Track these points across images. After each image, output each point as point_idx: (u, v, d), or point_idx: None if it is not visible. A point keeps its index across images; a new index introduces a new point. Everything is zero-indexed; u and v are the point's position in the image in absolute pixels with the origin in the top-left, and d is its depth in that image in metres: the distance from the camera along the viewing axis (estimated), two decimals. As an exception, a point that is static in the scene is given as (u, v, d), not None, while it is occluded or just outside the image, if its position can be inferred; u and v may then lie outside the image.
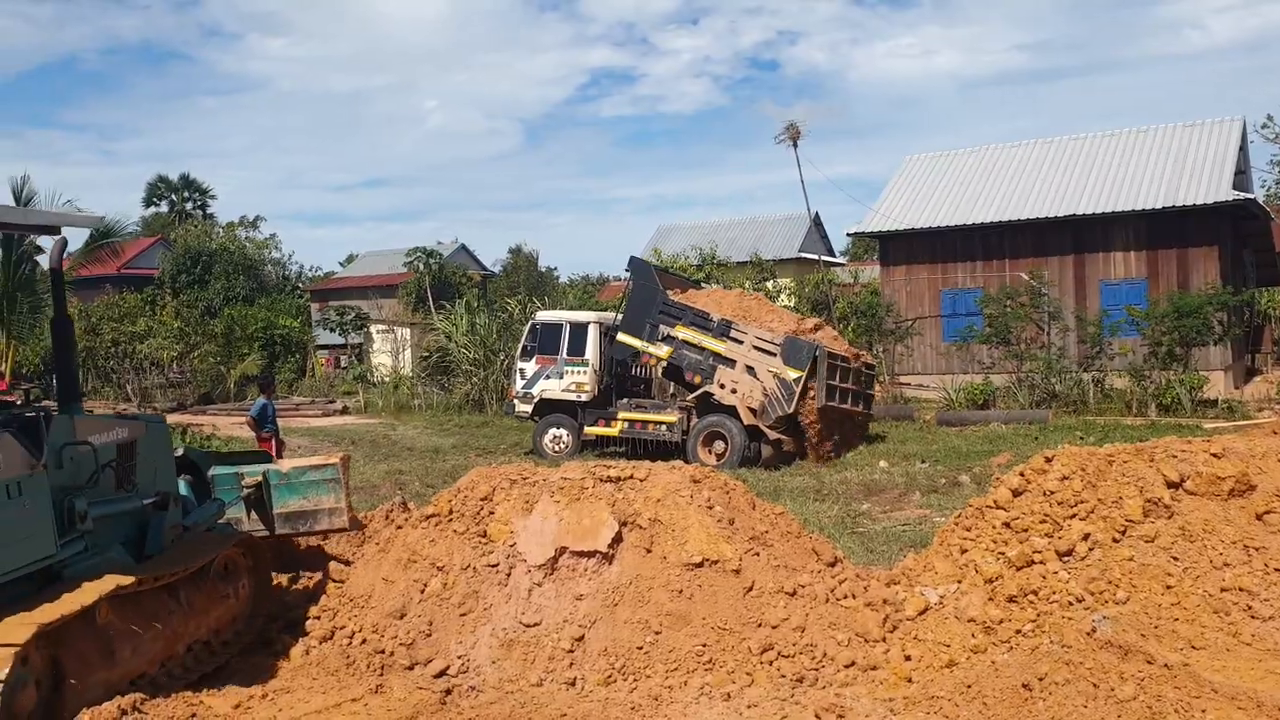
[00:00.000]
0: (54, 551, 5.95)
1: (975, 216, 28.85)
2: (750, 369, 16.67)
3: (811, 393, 16.36)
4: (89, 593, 5.84)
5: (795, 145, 34.14)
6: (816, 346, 16.45)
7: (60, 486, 6.10)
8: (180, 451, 8.07)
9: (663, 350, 17.59)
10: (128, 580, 6.11)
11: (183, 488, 7.80)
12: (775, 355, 16.49)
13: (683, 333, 17.36)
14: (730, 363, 16.84)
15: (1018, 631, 5.94)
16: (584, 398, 18.54)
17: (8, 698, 5.10)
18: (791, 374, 16.28)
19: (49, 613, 5.49)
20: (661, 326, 17.59)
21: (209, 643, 6.93)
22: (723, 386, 16.94)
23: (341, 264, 75.59)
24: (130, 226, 25.91)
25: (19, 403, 6.53)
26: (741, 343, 16.82)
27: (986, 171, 31.30)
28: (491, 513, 7.20)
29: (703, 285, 21.92)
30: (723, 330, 17.04)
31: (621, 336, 18.05)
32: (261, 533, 8.35)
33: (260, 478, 8.52)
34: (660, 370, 19.15)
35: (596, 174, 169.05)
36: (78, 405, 6.69)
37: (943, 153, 33.66)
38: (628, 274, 18.76)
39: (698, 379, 17.37)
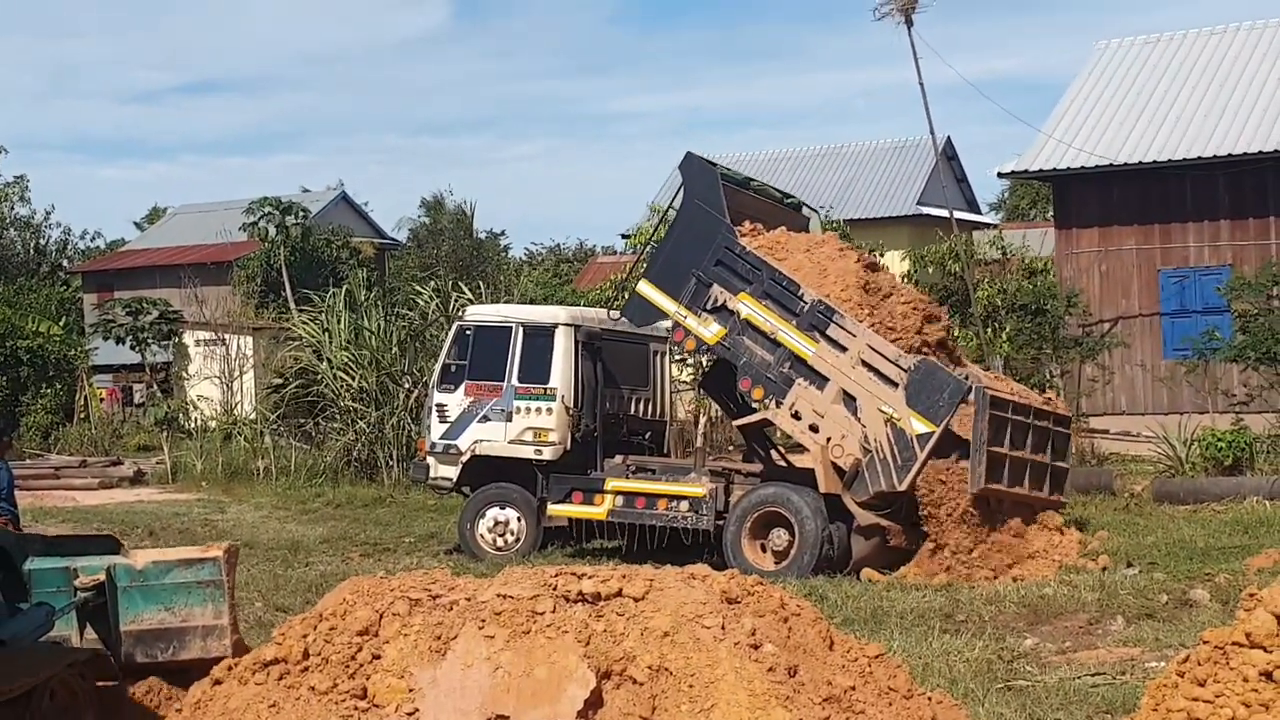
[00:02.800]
0: None
1: (1217, 145, 28.92)
2: (849, 398, 16.65)
3: (950, 466, 16.31)
4: None
5: (909, 25, 34.15)
6: (970, 384, 16.39)
7: None
8: None
9: (711, 329, 17.51)
10: None
11: None
12: (897, 387, 16.39)
13: (749, 307, 17.24)
14: (819, 379, 16.82)
15: None
16: (547, 455, 18.62)
17: None
18: (918, 425, 16.21)
19: None
20: (716, 288, 17.44)
21: None
22: (797, 418, 16.95)
23: (139, 225, 76.19)
24: None
25: None
26: (846, 349, 16.69)
27: (1238, 67, 31.32)
28: (376, 657, 7.16)
29: (801, 203, 21.16)
30: (819, 320, 16.87)
31: (643, 287, 18.04)
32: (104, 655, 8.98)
33: (102, 576, 9.08)
34: (694, 370, 19.11)
35: (581, 72, 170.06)
36: None
37: (1161, 36, 33.75)
38: (673, 198, 18.53)
39: (757, 393, 17.38)
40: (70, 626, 9.01)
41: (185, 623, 9.39)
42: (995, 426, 16.34)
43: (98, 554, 9.55)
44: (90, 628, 9.14)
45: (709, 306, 17.42)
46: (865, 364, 16.54)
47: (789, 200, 20.54)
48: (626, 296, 18.64)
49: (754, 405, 17.51)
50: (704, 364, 22.50)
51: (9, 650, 8.00)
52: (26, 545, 9.25)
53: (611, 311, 19.16)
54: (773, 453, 19.08)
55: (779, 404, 17.06)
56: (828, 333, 16.76)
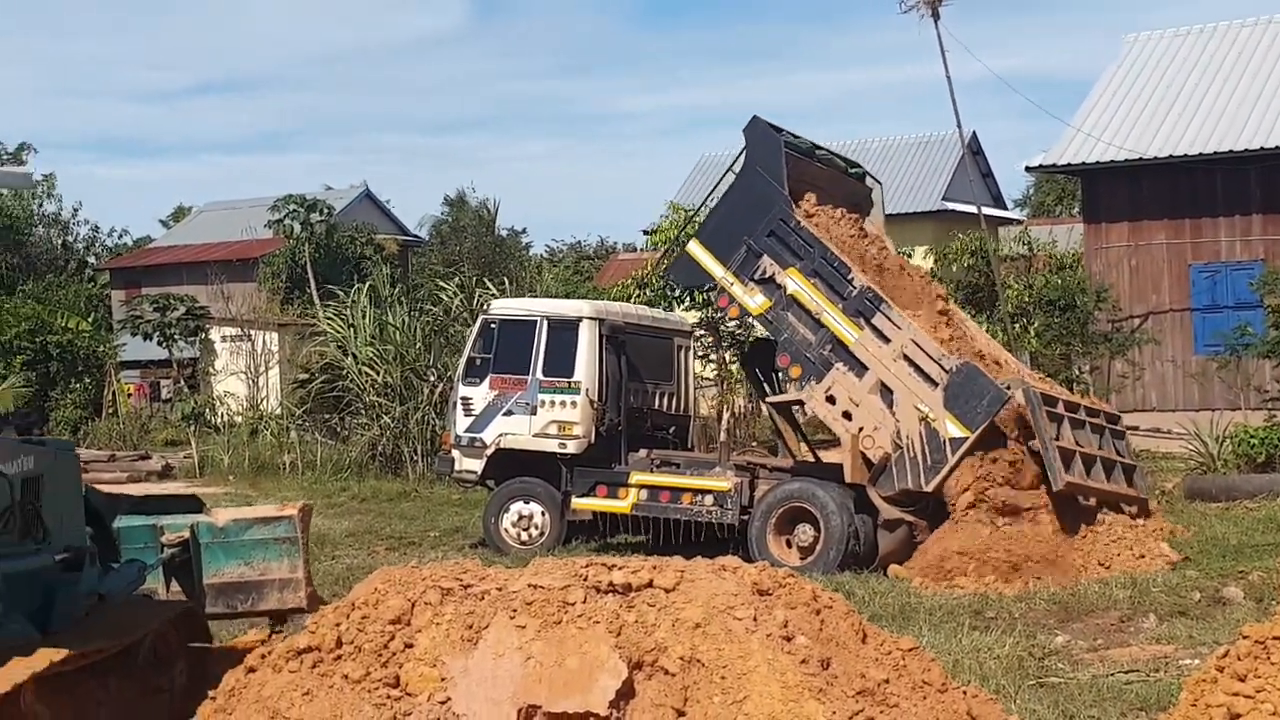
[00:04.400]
0: None
1: (1249, 138, 28.83)
2: (886, 390, 16.53)
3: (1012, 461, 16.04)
4: (15, 670, 7.19)
5: (936, 18, 34.06)
6: (1009, 395, 16.08)
7: None
8: None
9: (756, 300, 17.33)
10: (59, 655, 7.44)
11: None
12: (936, 386, 16.23)
13: (797, 283, 17.06)
14: (859, 367, 16.69)
15: None
16: (572, 448, 18.63)
17: None
18: (952, 429, 16.06)
19: None
20: (766, 259, 17.22)
21: None
22: (831, 402, 16.83)
23: (165, 224, 76.49)
24: None
25: None
26: (889, 340, 16.55)
27: (1269, 59, 31.18)
28: (409, 646, 7.15)
29: (865, 174, 20.83)
30: (866, 306, 16.70)
31: (693, 248, 17.86)
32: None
33: (186, 533, 10.03)
34: (718, 366, 19.03)
35: (597, 71, 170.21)
36: None
37: (1190, 29, 33.64)
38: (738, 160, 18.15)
39: (794, 371, 17.33)
40: (157, 580, 9.90)
41: (263, 576, 10.31)
42: (1054, 423, 16.19)
43: (181, 512, 10.48)
44: (175, 581, 10.06)
45: (757, 277, 17.25)
46: (907, 358, 16.41)
47: (854, 170, 20.37)
48: (675, 254, 18.36)
49: (789, 383, 17.44)
50: (747, 337, 22.34)
51: (108, 605, 8.73)
52: (115, 504, 9.94)
53: (659, 265, 18.97)
54: (801, 444, 19.07)
55: (815, 385, 16.99)
56: (873, 321, 16.61)
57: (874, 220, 19.91)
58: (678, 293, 31.38)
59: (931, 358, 16.32)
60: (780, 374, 18.10)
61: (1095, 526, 16.15)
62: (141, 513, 10.36)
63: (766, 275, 17.18)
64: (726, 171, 18.29)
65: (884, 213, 20.54)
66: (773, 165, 17.46)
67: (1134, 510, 16.69)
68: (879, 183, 20.88)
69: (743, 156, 17.96)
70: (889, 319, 16.56)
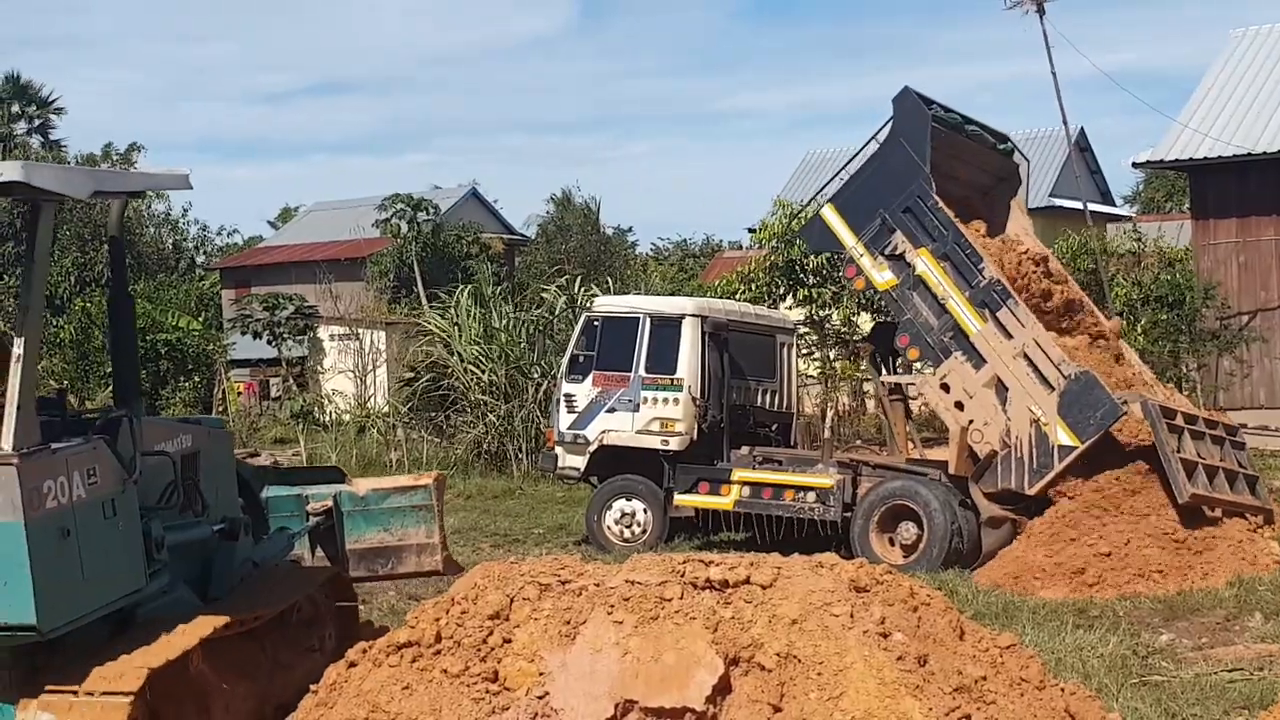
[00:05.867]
0: (143, 585, 8.21)
1: (1359, 131, 28.30)
2: (1002, 387, 16.34)
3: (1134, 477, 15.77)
4: (185, 635, 7.92)
5: (1042, 13, 33.72)
6: (1124, 411, 15.77)
7: (143, 507, 8.31)
8: None
9: (884, 275, 17.14)
10: (222, 621, 8.25)
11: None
12: (1052, 391, 16.01)
13: (926, 264, 16.85)
14: (977, 359, 16.49)
15: None
16: (674, 445, 18.63)
17: None
18: (1063, 436, 15.86)
19: (151, 656, 7.61)
20: (899, 235, 16.99)
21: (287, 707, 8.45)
22: (945, 390, 16.69)
23: (273, 224, 77.40)
24: None
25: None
26: (1012, 337, 16.35)
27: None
28: (507, 641, 7.22)
29: (1013, 149, 20.33)
30: (992, 299, 16.48)
31: (827, 212, 17.62)
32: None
33: (330, 503, 10.86)
34: (840, 340, 18.88)
35: (703, 70, 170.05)
36: (141, 407, 8.95)
37: (1301, 22, 33.12)
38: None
39: (913, 353, 17.26)
40: (304, 547, 10.73)
41: (401, 541, 11.10)
42: (1174, 435, 15.88)
43: (325, 483, 11.27)
44: (320, 548, 10.84)
45: (887, 252, 17.04)
46: (1027, 358, 16.19)
47: (1004, 146, 19.99)
48: (808, 216, 18.20)
49: (909, 364, 17.35)
50: (851, 336, 22.16)
51: (261, 572, 9.61)
52: (264, 477, 11.02)
53: (801, 215, 18.86)
54: (909, 438, 18.99)
55: (931, 371, 16.89)
56: (998, 315, 16.41)
57: (1019, 200, 19.62)
58: (781, 290, 31.38)
59: (1051, 361, 16.09)
60: (898, 356, 17.93)
61: (1214, 530, 15.82)
62: (288, 484, 11.26)
63: (897, 252, 16.98)
64: (870, 139, 17.97)
65: (1027, 190, 20.28)
66: (918, 140, 17.18)
67: (1259, 520, 16.35)
68: (1026, 159, 20.50)
69: (888, 126, 17.64)
70: (1015, 315, 16.36)
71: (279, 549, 10.35)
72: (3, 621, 7.31)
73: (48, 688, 7.48)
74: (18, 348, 7.65)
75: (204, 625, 8.15)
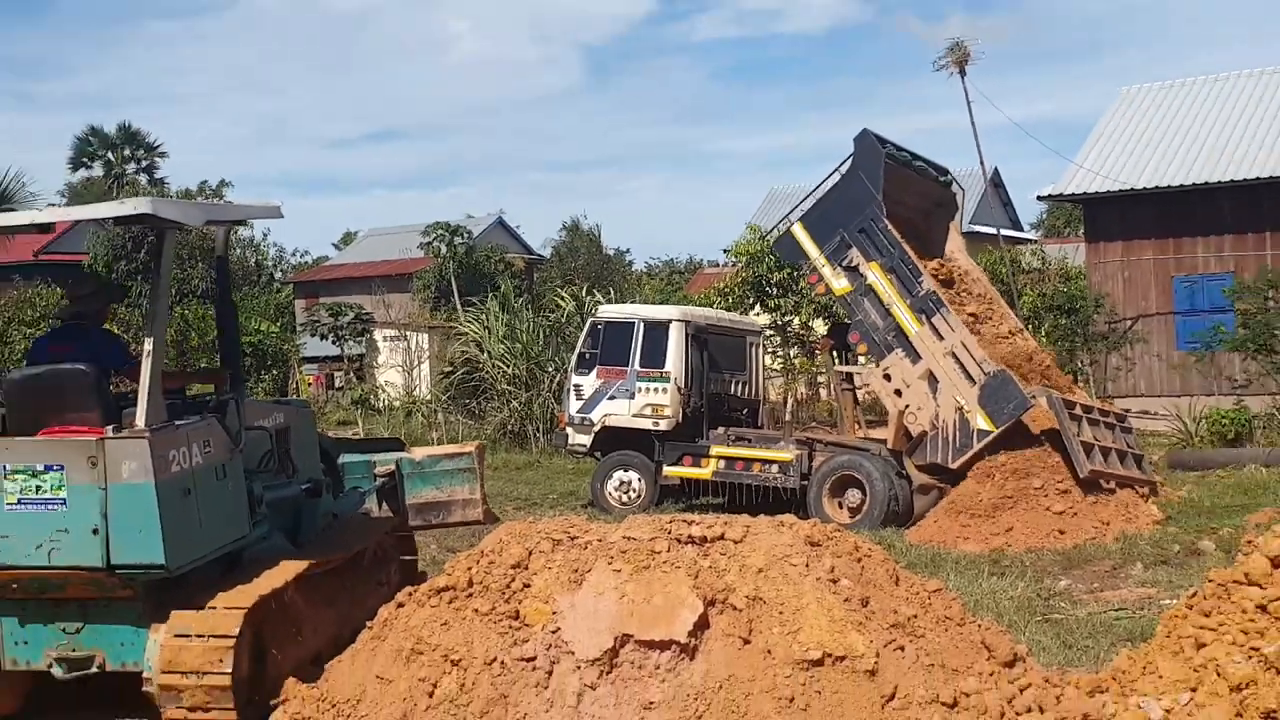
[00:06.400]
0: (247, 533, 8.64)
1: (1223, 171, 28.31)
2: (933, 379, 16.26)
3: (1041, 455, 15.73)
4: (281, 572, 8.34)
5: (963, 74, 33.64)
6: (1031, 404, 15.73)
7: (246, 470, 8.70)
8: None
9: (841, 282, 17.03)
10: (309, 562, 8.66)
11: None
12: (974, 384, 15.93)
13: (876, 275, 16.73)
14: (914, 354, 16.40)
15: (1280, 763, 5.72)
16: (663, 426, 18.57)
17: (239, 652, 7.62)
18: (981, 422, 15.81)
19: (256, 587, 8.04)
20: (854, 250, 16.88)
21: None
22: (887, 379, 16.61)
23: (337, 246, 77.29)
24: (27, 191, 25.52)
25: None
26: (943, 339, 16.28)
27: (1239, 108, 30.69)
28: (526, 586, 7.19)
29: (951, 181, 20.11)
30: (928, 307, 16.41)
31: (797, 229, 17.49)
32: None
33: (393, 467, 11.27)
34: (799, 341, 18.73)
35: (686, 120, 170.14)
36: (244, 391, 9.39)
37: (1174, 82, 33.13)
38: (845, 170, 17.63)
39: (861, 348, 17.11)
40: (372, 502, 10.99)
41: (450, 498, 11.71)
42: (1075, 422, 15.84)
43: (388, 451, 11.74)
44: (385, 503, 11.10)
45: (844, 264, 16.91)
46: (954, 356, 16.12)
47: (944, 178, 19.79)
48: (780, 232, 17.99)
49: (858, 357, 17.28)
50: (808, 337, 22.04)
51: (339, 523, 10.01)
52: (340, 446, 11.28)
53: (768, 238, 18.68)
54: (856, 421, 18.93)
55: (877, 363, 16.80)
56: (933, 320, 16.33)
57: (955, 223, 19.50)
58: (750, 300, 31.34)
59: (974, 360, 15.99)
60: (850, 350, 17.87)
61: (1105, 498, 15.76)
62: (359, 452, 11.58)
63: (853, 264, 16.87)
64: (834, 170, 17.77)
65: (963, 215, 20.19)
66: (873, 173, 17.04)
67: (1145, 491, 16.31)
68: (962, 189, 20.40)
69: (849, 160, 17.46)
70: (946, 321, 16.28)
71: (353, 504, 10.67)
72: (138, 562, 7.62)
73: (174, 610, 7.79)
74: (147, 345, 7.92)
75: (295, 565, 8.56)
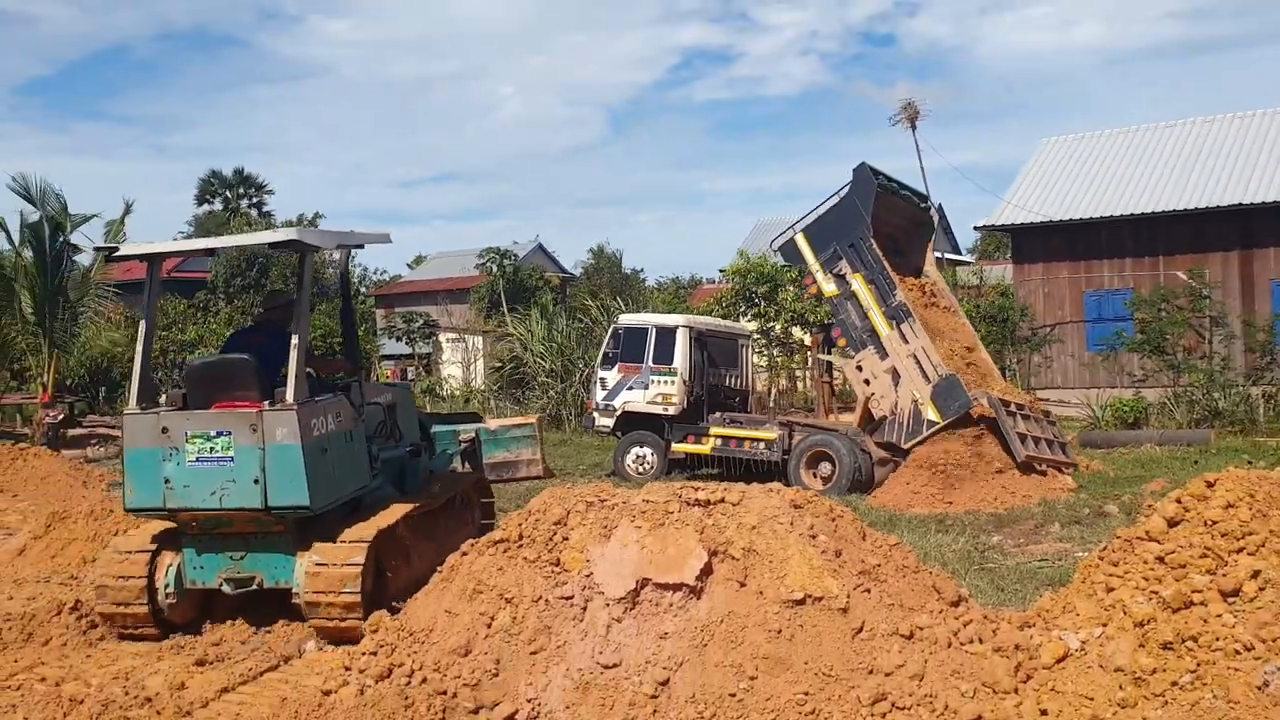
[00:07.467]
0: (368, 483, 9.07)
1: (1124, 206, 28.19)
2: (896, 375, 16.18)
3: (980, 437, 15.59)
4: (393, 513, 8.75)
5: (914, 128, 33.64)
6: (973, 405, 15.59)
7: (366, 436, 9.11)
8: None
9: (830, 287, 16.97)
10: (414, 505, 9.11)
11: None
12: (929, 383, 15.85)
13: (859, 285, 16.66)
14: (883, 352, 16.33)
15: (1174, 684, 5.70)
16: (671, 411, 18.52)
17: (364, 574, 8.13)
18: (930, 414, 15.73)
19: (376, 523, 8.51)
20: (844, 261, 16.81)
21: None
22: (859, 370, 16.56)
23: (409, 266, 77.14)
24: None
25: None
26: (908, 342, 16.19)
27: (1137, 155, 30.57)
28: (566, 539, 7.18)
29: (930, 208, 19.89)
30: (899, 315, 16.33)
31: (799, 239, 17.38)
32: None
33: (473, 434, 11.79)
34: (782, 343, 18.71)
35: (688, 165, 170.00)
36: (363, 374, 9.90)
37: (1086, 134, 33.04)
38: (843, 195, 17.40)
39: (841, 342, 17.03)
40: (458, 462, 11.54)
41: (517, 458, 12.31)
42: (1011, 416, 15.81)
43: (469, 423, 12.26)
44: (468, 463, 11.66)
45: (835, 272, 16.87)
46: (915, 358, 16.08)
47: (924, 205, 19.67)
48: (785, 238, 17.74)
49: (844, 350, 17.21)
50: (790, 339, 21.91)
51: (435, 477, 10.47)
52: (433, 419, 11.74)
53: (774, 243, 18.46)
54: (829, 407, 18.87)
55: (851, 356, 16.76)
56: (901, 326, 16.29)
57: (930, 243, 19.25)
58: (741, 309, 31.28)
59: (932, 363, 15.95)
60: (832, 346, 17.84)
61: (1032, 475, 15.63)
62: (447, 423, 11.93)
63: (841, 272, 16.82)
64: (834, 193, 17.58)
65: (936, 235, 19.96)
66: (865, 200, 16.95)
67: (1070, 471, 16.28)
68: (939, 213, 20.37)
69: (847, 186, 17.32)
70: (912, 329, 16.23)
71: (444, 463, 11.11)
72: (289, 504, 8.06)
73: (315, 542, 8.32)
74: (294, 340, 8.33)
75: (403, 508, 8.99)
